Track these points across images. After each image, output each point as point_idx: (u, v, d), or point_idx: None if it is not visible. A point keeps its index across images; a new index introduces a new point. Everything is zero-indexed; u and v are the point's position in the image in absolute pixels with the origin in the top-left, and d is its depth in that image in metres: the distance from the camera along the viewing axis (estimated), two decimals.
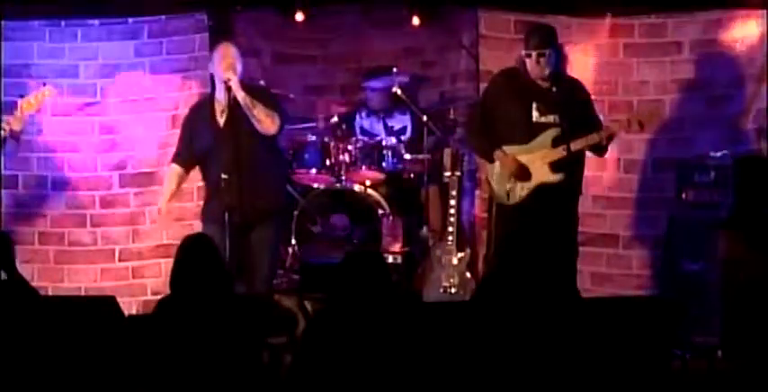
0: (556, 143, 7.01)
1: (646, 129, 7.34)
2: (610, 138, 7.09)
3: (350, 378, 4.96)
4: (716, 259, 7.27)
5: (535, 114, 7.04)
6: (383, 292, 5.10)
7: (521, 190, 7.03)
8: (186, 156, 7.26)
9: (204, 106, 7.28)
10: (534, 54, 7.00)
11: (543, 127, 7.03)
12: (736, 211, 7.31)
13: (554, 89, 6.97)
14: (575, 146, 6.98)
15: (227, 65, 7.08)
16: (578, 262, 7.28)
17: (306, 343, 5.18)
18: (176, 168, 7.29)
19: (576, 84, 7.20)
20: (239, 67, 7.11)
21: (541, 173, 7.02)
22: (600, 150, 7.19)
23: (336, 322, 5.08)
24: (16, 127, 7.46)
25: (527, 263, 6.80)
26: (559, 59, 7.15)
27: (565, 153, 6.94)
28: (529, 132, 7.05)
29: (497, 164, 7.12)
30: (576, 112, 7.02)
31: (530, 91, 7.06)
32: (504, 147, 7.07)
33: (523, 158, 7.02)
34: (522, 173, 7.02)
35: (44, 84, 7.72)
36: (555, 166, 7.01)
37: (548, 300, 5.28)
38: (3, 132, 7.43)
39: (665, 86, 8.38)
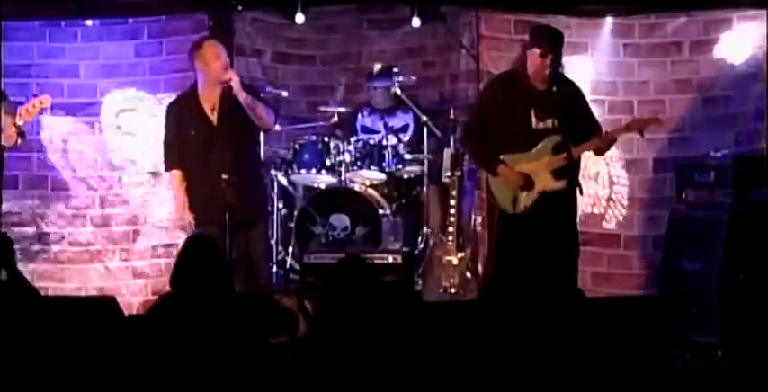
0: (557, 150, 6.96)
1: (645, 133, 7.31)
2: (610, 144, 7.09)
3: (350, 378, 4.96)
4: (716, 259, 7.27)
5: (534, 121, 6.98)
6: (374, 293, 5.10)
7: (525, 199, 6.98)
8: (180, 157, 7.16)
9: (188, 103, 7.16)
10: (550, 56, 6.89)
11: (543, 133, 6.99)
12: (736, 211, 7.31)
13: (554, 89, 6.94)
14: (576, 152, 6.95)
15: (222, 64, 7.04)
16: (579, 263, 7.27)
17: (307, 343, 5.18)
18: (177, 173, 7.16)
19: (571, 86, 7.17)
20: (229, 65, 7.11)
21: (545, 181, 6.98)
22: (601, 153, 7.19)
23: (337, 323, 5.08)
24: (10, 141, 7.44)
25: (532, 267, 6.81)
26: (560, 63, 7.13)
27: (567, 161, 6.92)
28: (528, 139, 6.99)
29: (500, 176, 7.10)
30: (573, 115, 7.00)
31: (527, 95, 6.99)
32: (505, 157, 7.01)
33: (526, 167, 6.97)
34: (527, 184, 6.97)
35: (34, 96, 7.70)
36: (558, 173, 6.98)
37: (549, 301, 5.28)
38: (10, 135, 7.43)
39: (665, 86, 8.39)
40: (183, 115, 7.17)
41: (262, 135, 7.68)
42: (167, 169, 7.26)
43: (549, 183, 6.98)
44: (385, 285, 5.36)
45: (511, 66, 7.55)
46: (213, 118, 7.07)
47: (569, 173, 7.00)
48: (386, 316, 5.09)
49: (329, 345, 5.03)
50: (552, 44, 6.95)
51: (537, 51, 6.94)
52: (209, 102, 7.08)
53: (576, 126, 6.98)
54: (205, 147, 7.04)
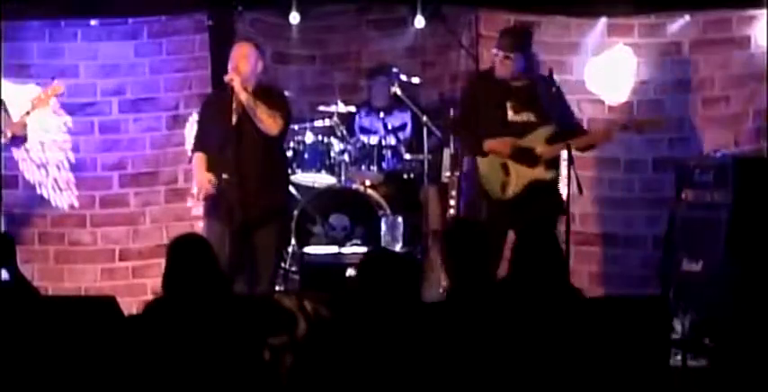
0: (551, 141, 7.07)
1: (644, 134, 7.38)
2: (606, 139, 7.18)
3: (350, 378, 4.96)
4: (716, 259, 7.27)
5: (510, 113, 7.14)
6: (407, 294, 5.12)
7: (515, 185, 7.08)
8: (206, 144, 7.24)
9: (219, 98, 7.21)
10: (501, 54, 7.11)
11: (521, 126, 7.11)
12: (736, 211, 7.31)
13: (521, 86, 7.08)
14: (576, 143, 7.01)
15: (232, 66, 7.10)
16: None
17: (308, 343, 5.18)
18: (201, 155, 7.22)
19: (546, 81, 7.25)
20: (248, 67, 7.09)
21: (537, 170, 7.09)
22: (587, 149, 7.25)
23: (338, 322, 5.09)
24: (20, 130, 7.50)
25: (527, 263, 6.81)
26: (530, 61, 7.19)
27: (563, 149, 6.98)
28: (506, 131, 7.12)
29: (487, 159, 7.16)
30: (553, 111, 7.08)
31: (502, 90, 7.16)
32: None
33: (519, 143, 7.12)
34: (522, 153, 7.06)
35: (53, 79, 7.76)
36: (549, 164, 7.10)
37: (547, 299, 5.28)
38: (8, 135, 7.45)
39: (665, 86, 8.39)
40: (212, 108, 7.26)
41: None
42: (192, 152, 7.34)
43: (541, 173, 7.05)
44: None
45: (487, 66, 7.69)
46: (235, 116, 7.10)
47: (556, 164, 7.11)
48: (386, 316, 5.10)
49: (330, 345, 5.03)
50: (510, 48, 7.12)
51: (498, 54, 7.14)
52: (238, 100, 7.13)
53: (558, 121, 7.06)
54: (220, 143, 7.08)
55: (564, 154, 7.10)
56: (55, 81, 7.69)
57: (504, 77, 7.13)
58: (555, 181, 7.16)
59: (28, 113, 7.52)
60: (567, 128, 7.10)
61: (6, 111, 7.55)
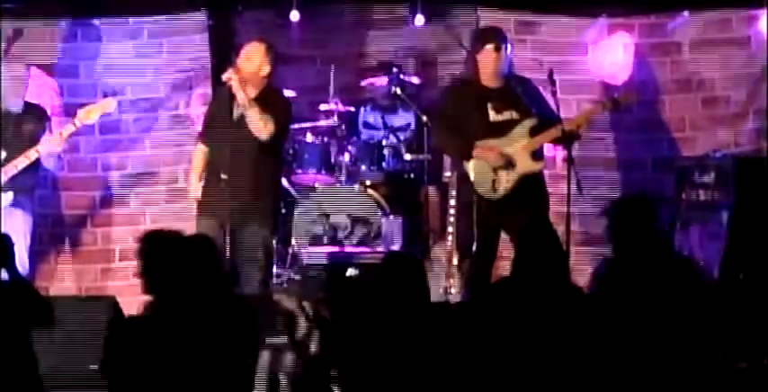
0: (534, 132, 7.06)
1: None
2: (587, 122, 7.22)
3: (351, 378, 4.97)
4: (716, 259, 7.27)
5: (492, 114, 7.13)
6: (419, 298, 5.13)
7: (506, 181, 7.07)
8: (207, 138, 7.25)
9: (224, 97, 7.19)
10: (503, 46, 7.10)
11: (504, 125, 7.11)
12: (736, 211, 7.31)
13: (500, 87, 7.11)
14: (569, 125, 7.01)
15: (235, 64, 7.09)
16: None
17: (308, 343, 5.19)
18: (203, 147, 7.25)
19: (525, 81, 7.26)
20: (249, 68, 7.07)
21: (525, 164, 7.08)
22: (565, 141, 7.23)
23: (351, 323, 5.10)
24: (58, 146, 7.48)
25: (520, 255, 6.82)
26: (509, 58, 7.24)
27: (559, 133, 6.96)
28: (489, 132, 7.11)
29: (475, 160, 7.13)
30: (534, 106, 7.10)
31: (481, 94, 7.15)
32: (480, 142, 7.11)
33: (505, 151, 7.06)
34: (507, 161, 7.05)
35: (105, 96, 7.74)
36: (535, 155, 7.12)
37: (547, 297, 5.28)
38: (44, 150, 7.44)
39: (665, 86, 8.39)
40: (217, 103, 7.24)
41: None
42: (197, 140, 7.39)
43: (529, 165, 7.07)
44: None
45: (460, 75, 7.66)
46: (236, 112, 7.10)
47: (542, 156, 7.13)
48: (391, 316, 5.10)
49: (330, 345, 5.04)
50: (501, 38, 7.15)
51: (489, 47, 7.10)
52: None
53: (539, 116, 7.07)
54: (222, 137, 7.08)
55: (564, 154, 7.10)
56: (107, 98, 7.65)
57: (493, 75, 7.12)
58: (542, 172, 7.17)
59: (73, 128, 7.47)
60: (548, 121, 7.09)
61: (49, 126, 7.56)
